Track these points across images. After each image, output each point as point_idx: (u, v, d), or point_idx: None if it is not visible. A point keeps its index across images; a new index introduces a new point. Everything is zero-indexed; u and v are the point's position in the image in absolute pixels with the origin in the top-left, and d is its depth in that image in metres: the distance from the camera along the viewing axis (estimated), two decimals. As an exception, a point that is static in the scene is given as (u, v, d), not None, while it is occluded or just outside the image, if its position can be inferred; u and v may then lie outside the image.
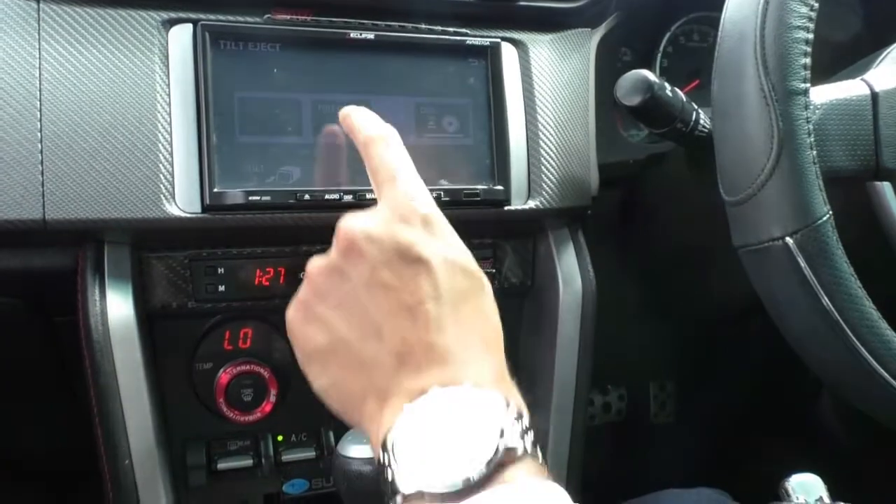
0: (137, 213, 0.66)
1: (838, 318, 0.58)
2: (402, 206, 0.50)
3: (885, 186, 0.63)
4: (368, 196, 0.71)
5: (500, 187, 0.78)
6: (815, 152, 0.58)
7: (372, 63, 0.74)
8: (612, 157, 0.90)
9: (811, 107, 0.58)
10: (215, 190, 0.68)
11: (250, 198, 0.68)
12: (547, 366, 0.84)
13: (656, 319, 1.13)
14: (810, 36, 0.58)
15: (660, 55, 1.00)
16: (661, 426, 1.35)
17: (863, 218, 0.62)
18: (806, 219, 0.57)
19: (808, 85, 0.58)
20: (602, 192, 0.87)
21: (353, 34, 0.73)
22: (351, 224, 0.51)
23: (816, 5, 0.58)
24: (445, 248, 0.50)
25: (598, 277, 0.85)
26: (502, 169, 0.78)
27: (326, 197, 0.71)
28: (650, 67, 0.99)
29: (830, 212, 0.57)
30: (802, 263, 0.58)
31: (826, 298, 0.58)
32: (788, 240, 0.58)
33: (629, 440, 1.37)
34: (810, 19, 0.58)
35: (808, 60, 0.58)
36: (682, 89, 1.03)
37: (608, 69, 0.91)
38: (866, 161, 0.62)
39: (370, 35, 0.73)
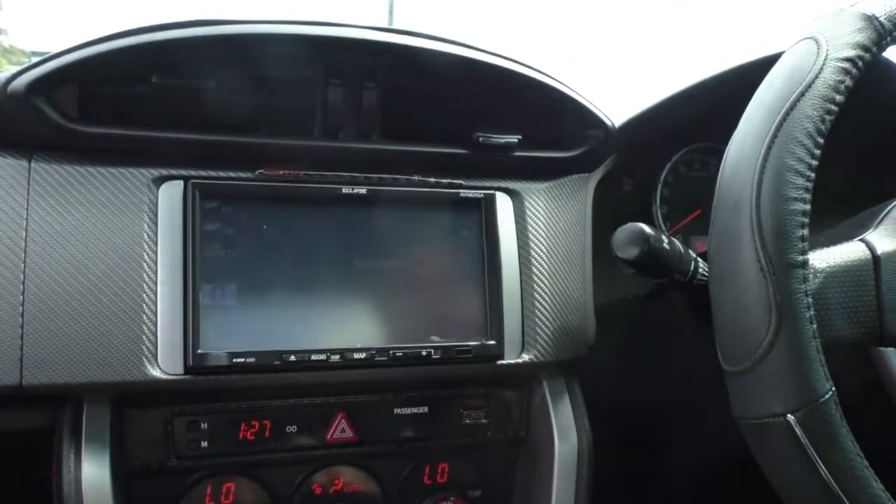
0: (117, 377, 0.64)
1: (845, 500, 0.55)
2: None
3: (891, 353, 0.61)
4: (356, 356, 0.70)
5: (492, 342, 0.76)
6: (815, 326, 0.56)
7: (364, 220, 0.74)
8: (612, 294, 0.88)
9: (810, 276, 0.56)
10: (199, 351, 0.67)
11: (234, 360, 0.67)
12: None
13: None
14: (807, 207, 0.57)
15: (660, 185, 0.99)
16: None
17: (865, 380, 0.60)
18: (808, 397, 0.55)
19: (807, 257, 0.56)
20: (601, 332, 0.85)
21: (346, 189, 0.73)
22: None
23: (813, 176, 0.57)
24: None
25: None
26: (495, 323, 0.76)
27: (313, 357, 0.69)
28: (651, 197, 0.99)
29: (833, 388, 0.55)
30: (805, 442, 0.55)
31: (831, 479, 0.55)
32: (790, 417, 0.55)
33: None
34: (807, 190, 0.57)
35: (805, 232, 0.56)
36: (683, 219, 1.04)
37: (609, 199, 0.90)
38: (869, 328, 0.60)
39: (363, 190, 0.73)
